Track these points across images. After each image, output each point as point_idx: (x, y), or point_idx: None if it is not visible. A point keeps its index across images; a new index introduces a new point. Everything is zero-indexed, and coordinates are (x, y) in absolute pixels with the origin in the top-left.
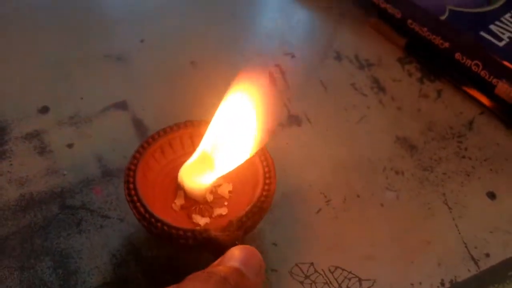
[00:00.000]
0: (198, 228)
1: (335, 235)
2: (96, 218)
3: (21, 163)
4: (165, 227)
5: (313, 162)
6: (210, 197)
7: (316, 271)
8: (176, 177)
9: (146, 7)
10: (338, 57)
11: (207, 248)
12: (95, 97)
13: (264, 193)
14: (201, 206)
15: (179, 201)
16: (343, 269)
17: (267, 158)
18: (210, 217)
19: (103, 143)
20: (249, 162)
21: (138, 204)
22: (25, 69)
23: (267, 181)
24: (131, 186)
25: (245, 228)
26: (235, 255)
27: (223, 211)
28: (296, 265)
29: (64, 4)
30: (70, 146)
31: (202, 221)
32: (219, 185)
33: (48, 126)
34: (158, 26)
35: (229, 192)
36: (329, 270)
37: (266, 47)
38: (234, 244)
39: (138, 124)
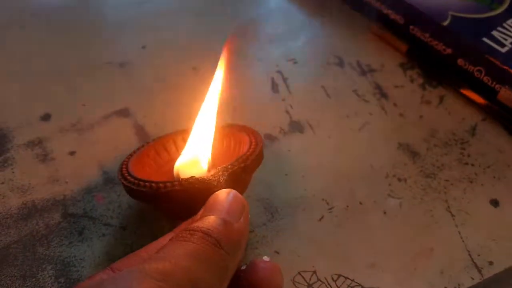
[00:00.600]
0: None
1: (338, 243)
2: (98, 226)
3: (23, 171)
4: (153, 184)
5: (315, 169)
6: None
7: (318, 279)
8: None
9: (147, 13)
10: (341, 63)
11: (195, 197)
12: (97, 104)
13: (252, 148)
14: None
15: None
16: (346, 277)
17: (254, 132)
18: None
19: (105, 150)
20: (240, 144)
21: (129, 177)
22: (27, 77)
23: (253, 140)
24: (124, 170)
25: (229, 174)
26: (216, 200)
27: None
28: (299, 273)
29: (66, 12)
30: (72, 153)
31: None
32: None
33: (50, 134)
34: (159, 32)
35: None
36: (332, 278)
37: (269, 52)
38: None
39: (140, 131)
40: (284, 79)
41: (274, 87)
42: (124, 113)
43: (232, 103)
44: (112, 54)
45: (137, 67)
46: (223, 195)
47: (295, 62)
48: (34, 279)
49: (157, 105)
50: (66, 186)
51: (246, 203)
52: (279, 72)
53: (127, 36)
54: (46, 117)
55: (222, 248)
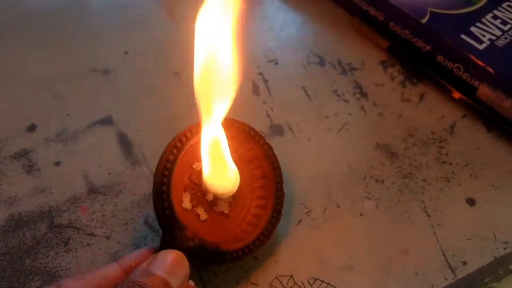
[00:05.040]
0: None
1: (315, 246)
2: (83, 236)
3: (10, 183)
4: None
5: (295, 173)
6: (210, 196)
7: (295, 283)
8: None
9: (129, 19)
10: (321, 63)
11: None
12: (81, 113)
13: (253, 246)
14: (198, 193)
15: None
16: (322, 281)
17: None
18: (193, 206)
19: (89, 159)
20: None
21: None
22: (11, 88)
23: (265, 233)
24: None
25: (195, 253)
26: (165, 261)
27: (203, 216)
28: (276, 277)
29: (48, 21)
30: (57, 164)
31: (185, 203)
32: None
33: (35, 145)
34: (141, 37)
35: (229, 204)
36: (308, 282)
37: (250, 54)
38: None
39: (123, 139)
40: (265, 81)
41: (255, 89)
42: (107, 121)
43: None
44: (96, 61)
45: (120, 73)
46: (174, 256)
47: (276, 63)
48: None
49: (140, 111)
50: (51, 197)
51: (188, 273)
52: (260, 74)
53: (110, 42)
54: (31, 128)
55: None
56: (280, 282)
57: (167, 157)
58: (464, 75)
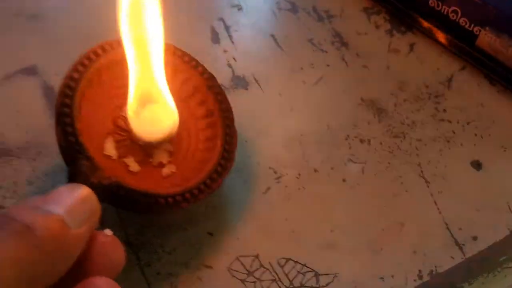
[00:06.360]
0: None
1: (287, 220)
2: None
3: None
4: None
5: (262, 133)
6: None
7: (262, 265)
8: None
9: None
10: (294, 9)
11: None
12: None
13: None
14: (127, 141)
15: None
16: (296, 262)
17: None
18: (120, 156)
19: (3, 116)
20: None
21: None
22: None
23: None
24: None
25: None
26: (62, 196)
27: (133, 167)
28: (237, 258)
29: None
30: None
31: (108, 149)
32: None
33: None
34: None
35: (168, 154)
36: (278, 263)
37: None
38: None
39: (49, 93)
40: (227, 28)
41: (214, 36)
42: (30, 71)
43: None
44: (22, 4)
45: (51, 18)
46: (77, 192)
47: (240, 9)
48: None
49: (72, 61)
50: None
51: (97, 211)
52: (220, 19)
53: None
54: None
55: (45, 254)
56: (242, 264)
57: (71, 75)
58: (462, 21)
